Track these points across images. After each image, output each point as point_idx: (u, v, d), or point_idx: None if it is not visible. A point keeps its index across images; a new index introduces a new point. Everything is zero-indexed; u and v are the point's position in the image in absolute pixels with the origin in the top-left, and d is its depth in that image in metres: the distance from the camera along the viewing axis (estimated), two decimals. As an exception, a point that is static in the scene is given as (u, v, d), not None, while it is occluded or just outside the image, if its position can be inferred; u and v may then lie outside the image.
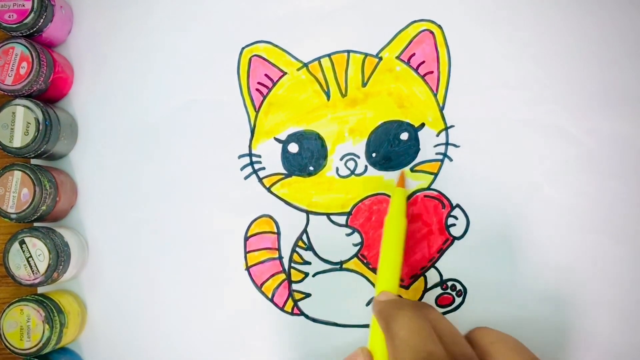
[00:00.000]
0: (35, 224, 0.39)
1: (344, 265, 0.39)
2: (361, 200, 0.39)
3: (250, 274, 0.40)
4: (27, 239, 0.37)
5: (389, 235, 0.36)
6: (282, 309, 0.39)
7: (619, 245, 0.39)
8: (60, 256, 0.37)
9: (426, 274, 0.39)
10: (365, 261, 0.39)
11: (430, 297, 0.39)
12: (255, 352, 0.39)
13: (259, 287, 0.40)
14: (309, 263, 0.39)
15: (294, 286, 0.39)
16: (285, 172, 0.40)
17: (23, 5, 0.37)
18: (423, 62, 0.39)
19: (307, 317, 0.39)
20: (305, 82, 0.40)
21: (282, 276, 0.40)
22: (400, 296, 0.35)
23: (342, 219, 0.39)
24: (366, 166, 0.39)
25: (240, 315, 0.39)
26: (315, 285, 0.39)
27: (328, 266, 0.39)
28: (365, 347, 0.34)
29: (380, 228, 0.39)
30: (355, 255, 0.39)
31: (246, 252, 0.40)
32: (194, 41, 0.40)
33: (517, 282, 0.39)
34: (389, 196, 0.39)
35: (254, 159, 0.40)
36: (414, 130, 0.39)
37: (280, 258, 0.40)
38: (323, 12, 0.40)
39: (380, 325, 0.32)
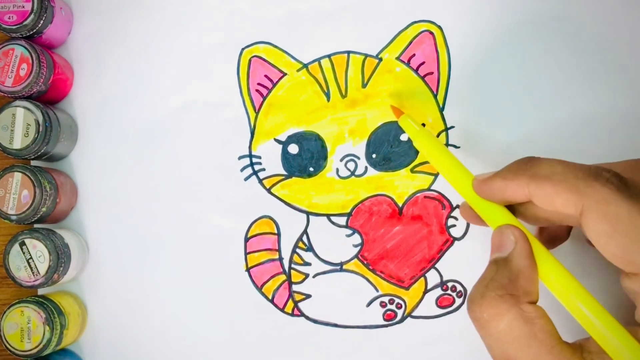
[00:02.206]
0: (36, 226, 0.39)
1: (344, 267, 0.39)
2: (361, 201, 0.39)
3: (250, 275, 0.40)
4: (27, 241, 0.37)
5: (428, 142, 0.36)
6: (282, 310, 0.39)
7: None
8: (60, 257, 0.37)
9: (426, 275, 0.39)
10: (365, 262, 0.39)
11: (430, 298, 0.39)
12: (256, 353, 0.39)
13: (259, 288, 0.40)
14: (309, 264, 0.39)
15: (295, 287, 0.40)
16: (285, 173, 0.40)
17: (23, 7, 0.37)
18: (423, 63, 0.39)
19: (307, 318, 0.39)
20: (305, 83, 0.40)
21: (283, 277, 0.40)
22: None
23: (342, 220, 0.39)
24: (366, 167, 0.39)
25: (241, 317, 0.39)
26: (316, 287, 0.39)
27: (328, 267, 0.39)
28: (505, 225, 0.32)
29: (380, 229, 0.39)
30: (356, 256, 0.39)
31: (246, 253, 0.40)
32: (194, 42, 0.40)
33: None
34: (389, 197, 0.39)
35: (254, 160, 0.40)
36: (414, 131, 0.39)
37: (281, 259, 0.40)
38: (323, 13, 0.40)
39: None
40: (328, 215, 0.40)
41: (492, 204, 0.33)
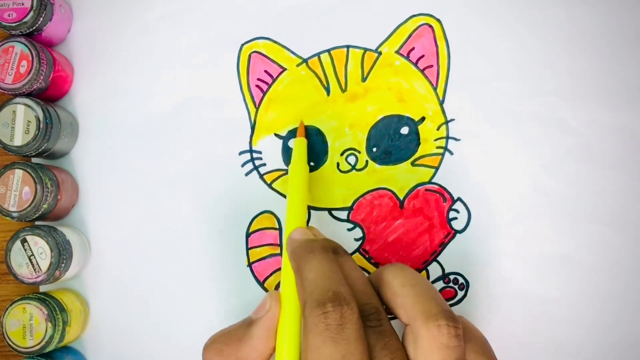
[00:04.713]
0: (37, 223, 0.39)
1: (346, 260, 0.39)
2: (362, 195, 0.39)
3: (252, 270, 0.40)
4: (28, 238, 0.37)
5: (294, 178, 0.37)
6: (284, 304, 0.39)
7: (620, 235, 0.39)
8: (62, 254, 0.37)
9: (428, 268, 0.39)
10: (367, 256, 0.39)
11: (432, 291, 0.39)
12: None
13: (262, 283, 0.40)
14: (311, 258, 0.39)
15: (296, 282, 0.39)
16: (286, 168, 0.40)
17: (22, 4, 0.37)
18: (422, 56, 0.39)
19: (309, 312, 0.39)
20: (305, 78, 0.40)
21: (284, 272, 0.39)
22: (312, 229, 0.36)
23: (343, 214, 0.39)
24: (367, 161, 0.39)
25: (244, 312, 0.39)
26: (318, 281, 0.39)
27: (330, 261, 0.39)
28: (274, 290, 0.34)
29: (382, 223, 0.39)
30: (357, 250, 0.39)
31: (248, 249, 0.40)
32: (194, 38, 0.40)
33: (518, 274, 0.39)
34: (390, 191, 0.39)
35: (255, 155, 0.40)
36: (414, 125, 0.39)
37: (282, 254, 0.40)
38: (322, 7, 0.40)
39: (292, 266, 0.33)
40: (329, 210, 0.40)
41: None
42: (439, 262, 0.39)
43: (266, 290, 0.39)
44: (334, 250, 0.33)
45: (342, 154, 0.39)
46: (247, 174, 0.40)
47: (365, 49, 0.40)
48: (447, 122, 0.39)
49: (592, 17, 0.39)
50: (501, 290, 0.39)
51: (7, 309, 0.36)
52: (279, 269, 0.39)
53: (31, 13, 0.37)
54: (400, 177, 0.39)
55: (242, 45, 0.40)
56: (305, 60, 0.40)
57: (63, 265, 0.37)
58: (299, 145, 0.38)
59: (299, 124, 0.39)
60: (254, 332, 0.32)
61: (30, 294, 0.37)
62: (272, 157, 0.40)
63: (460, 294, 0.39)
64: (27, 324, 0.36)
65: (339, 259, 0.32)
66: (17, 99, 0.37)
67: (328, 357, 0.27)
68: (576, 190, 0.39)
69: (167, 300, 0.40)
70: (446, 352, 0.28)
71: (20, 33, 0.37)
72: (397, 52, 0.39)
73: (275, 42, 0.40)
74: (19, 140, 0.37)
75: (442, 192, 0.39)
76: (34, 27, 0.37)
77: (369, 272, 0.39)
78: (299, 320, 0.32)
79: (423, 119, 0.39)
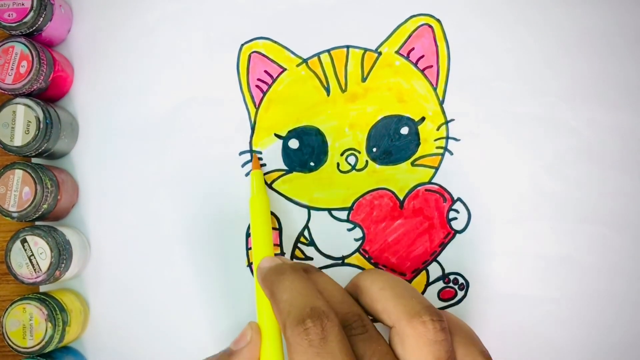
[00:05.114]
0: (37, 223, 0.39)
1: (346, 260, 0.39)
2: (362, 195, 0.39)
3: (252, 271, 0.40)
4: (28, 238, 0.37)
5: (255, 211, 0.37)
6: (284, 304, 0.39)
7: (620, 235, 0.39)
8: (62, 254, 0.37)
9: (428, 267, 0.39)
10: (367, 256, 0.39)
11: (432, 291, 0.39)
12: (258, 348, 0.39)
13: (261, 284, 0.40)
14: (311, 259, 0.39)
15: (296, 282, 0.39)
16: (286, 168, 0.40)
17: (22, 4, 0.37)
18: (422, 56, 0.39)
19: (309, 312, 0.39)
20: (305, 78, 0.40)
21: (284, 272, 0.39)
22: (280, 257, 0.36)
23: (343, 214, 0.39)
24: (367, 161, 0.39)
25: (243, 312, 0.39)
26: (318, 281, 0.39)
27: (330, 261, 0.39)
28: (253, 321, 0.34)
29: (381, 223, 0.39)
30: (357, 250, 0.39)
31: (248, 249, 0.40)
32: (194, 39, 0.40)
33: (518, 274, 0.39)
34: (390, 191, 0.39)
35: (255, 155, 0.40)
36: (414, 125, 0.39)
37: (282, 254, 0.40)
38: (322, 7, 0.40)
39: (266, 293, 0.33)
40: (329, 210, 0.40)
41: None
42: (438, 262, 0.39)
43: (266, 290, 0.39)
44: (304, 269, 0.33)
45: (342, 154, 0.39)
46: (247, 174, 0.40)
47: (365, 49, 0.40)
48: (447, 123, 0.39)
49: (592, 17, 0.39)
50: (501, 290, 0.39)
51: (7, 309, 0.36)
52: (279, 269, 0.39)
53: (31, 13, 0.37)
54: (400, 177, 0.39)
55: (242, 45, 0.40)
56: (305, 61, 0.40)
57: (63, 265, 0.37)
58: (256, 177, 0.38)
59: (253, 158, 0.39)
60: None
61: (30, 294, 0.37)
62: (272, 157, 0.40)
63: (460, 294, 0.39)
64: (27, 324, 0.36)
65: (311, 277, 0.32)
66: (17, 99, 0.37)
67: None
68: (576, 190, 0.39)
69: (166, 300, 0.40)
70: (434, 347, 0.28)
71: (21, 33, 0.37)
72: (397, 52, 0.39)
73: (275, 42, 0.40)
74: (19, 140, 0.37)
75: (442, 192, 0.39)
76: (34, 27, 0.37)
77: (368, 272, 0.39)
78: (280, 348, 0.32)
79: (423, 119, 0.39)
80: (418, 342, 0.29)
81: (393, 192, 0.39)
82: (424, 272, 0.39)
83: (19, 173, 0.37)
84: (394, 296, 0.30)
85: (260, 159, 0.40)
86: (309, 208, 0.40)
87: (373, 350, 0.29)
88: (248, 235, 0.40)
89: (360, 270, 0.39)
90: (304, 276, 0.32)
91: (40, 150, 0.37)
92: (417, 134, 0.39)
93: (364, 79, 0.39)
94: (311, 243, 0.39)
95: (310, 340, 0.28)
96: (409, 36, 0.39)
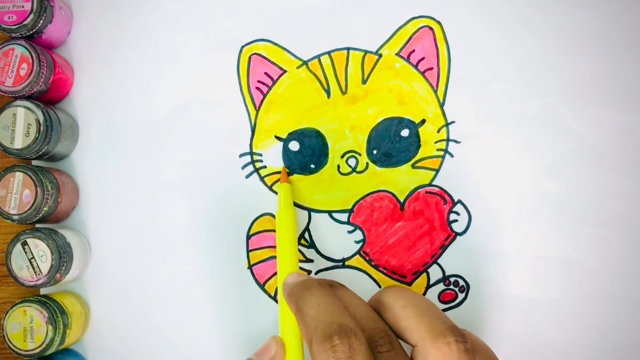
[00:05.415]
0: (37, 225, 0.39)
1: (347, 263, 0.39)
2: (363, 198, 0.39)
3: (253, 273, 0.40)
4: (29, 240, 0.37)
5: (282, 225, 0.37)
6: (285, 307, 0.39)
7: (620, 236, 0.39)
8: (62, 257, 0.37)
9: (429, 270, 0.39)
10: (367, 258, 0.39)
11: (433, 293, 0.39)
12: (259, 350, 0.39)
13: (262, 286, 0.40)
14: (311, 261, 0.39)
15: (297, 284, 0.39)
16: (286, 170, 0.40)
17: (23, 7, 0.37)
18: (423, 58, 0.39)
19: (310, 314, 0.39)
20: (305, 80, 0.40)
21: (285, 274, 0.39)
22: (305, 273, 0.36)
23: (344, 217, 0.39)
24: (367, 163, 0.39)
25: (244, 314, 0.39)
26: (318, 283, 0.39)
27: (330, 264, 0.39)
28: (277, 335, 0.34)
29: (382, 225, 0.39)
30: (358, 252, 0.39)
31: (248, 251, 0.40)
32: (194, 40, 0.40)
33: (519, 276, 0.39)
34: (390, 193, 0.39)
35: (255, 157, 0.40)
36: (414, 127, 0.39)
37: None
38: (322, 9, 0.40)
39: (291, 308, 0.33)
40: (330, 212, 0.40)
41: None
42: (439, 265, 0.39)
43: (266, 292, 0.39)
44: (330, 284, 0.33)
45: (342, 157, 0.39)
46: (247, 176, 0.40)
47: (366, 51, 0.40)
48: (447, 125, 0.39)
49: (592, 17, 0.39)
50: (502, 292, 0.39)
51: (7, 312, 0.36)
52: (280, 271, 0.40)
53: (31, 15, 0.37)
54: (400, 180, 0.39)
55: (242, 47, 0.40)
56: (305, 63, 0.40)
57: (64, 267, 0.37)
58: (283, 191, 0.38)
59: (282, 170, 0.39)
60: None
61: (31, 296, 0.37)
62: (272, 159, 0.40)
63: (461, 296, 0.39)
64: (28, 327, 0.36)
65: (336, 292, 0.32)
66: (18, 102, 0.37)
67: None
68: (576, 191, 0.39)
69: (167, 302, 0.40)
70: None
71: (21, 35, 0.37)
72: (397, 54, 0.39)
73: (275, 44, 0.40)
74: (19, 143, 0.37)
75: (443, 195, 0.39)
76: (34, 30, 0.37)
77: (370, 276, 0.39)
78: None
79: (423, 121, 0.39)
80: None
81: (393, 195, 0.39)
82: (424, 274, 0.39)
83: (19, 176, 0.37)
84: (418, 314, 0.30)
85: (260, 161, 0.40)
86: (310, 210, 0.40)
87: None
88: (249, 237, 0.40)
89: (361, 273, 0.39)
90: (330, 292, 0.32)
91: (40, 153, 0.37)
92: (418, 136, 0.39)
93: (364, 81, 0.39)
94: (311, 245, 0.39)
95: (337, 357, 0.28)
96: (410, 38, 0.39)
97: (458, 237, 0.39)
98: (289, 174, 0.40)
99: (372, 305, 0.32)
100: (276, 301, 0.39)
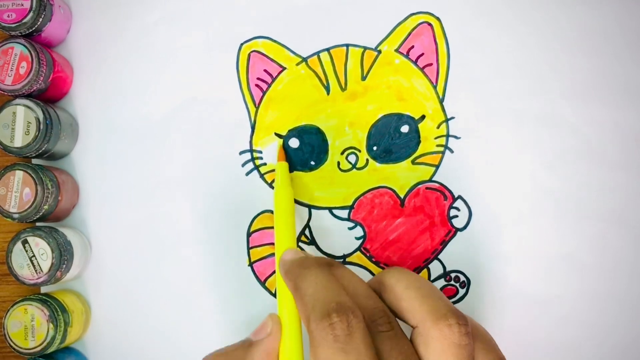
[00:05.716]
0: (38, 224, 0.39)
1: (347, 259, 0.39)
2: (363, 194, 0.39)
3: (253, 270, 0.40)
4: (29, 239, 0.37)
5: (279, 202, 0.37)
6: (286, 303, 0.39)
7: (621, 234, 0.39)
8: (63, 255, 0.37)
9: (429, 266, 0.39)
10: (368, 254, 0.39)
11: (434, 289, 0.39)
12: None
13: (263, 283, 0.40)
14: (312, 257, 0.39)
15: (298, 281, 0.39)
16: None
17: (22, 5, 0.37)
18: (422, 54, 0.39)
19: (311, 311, 0.39)
20: (305, 77, 0.40)
21: (286, 271, 0.39)
22: (303, 251, 0.36)
23: (344, 213, 0.39)
24: (367, 159, 0.39)
25: (244, 311, 0.39)
26: (319, 280, 0.39)
27: (331, 260, 0.39)
28: (274, 313, 0.34)
29: (382, 221, 0.39)
30: (358, 248, 0.39)
31: (249, 248, 0.40)
32: (193, 38, 0.40)
33: (519, 272, 0.39)
34: (391, 189, 0.39)
35: (255, 154, 0.40)
36: (414, 123, 0.39)
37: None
38: (321, 6, 0.40)
39: (288, 286, 0.33)
40: (330, 209, 0.40)
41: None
42: (440, 260, 0.39)
43: (267, 289, 0.39)
44: (328, 263, 0.33)
45: (342, 153, 0.39)
46: (247, 174, 0.40)
47: (365, 48, 0.40)
48: (447, 120, 0.39)
49: (592, 17, 0.39)
50: (502, 288, 0.39)
51: (8, 310, 0.36)
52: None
53: (31, 14, 0.37)
54: (400, 176, 0.39)
55: (242, 44, 0.40)
56: (304, 59, 0.40)
57: (64, 266, 0.37)
58: (280, 169, 0.38)
59: (279, 147, 0.39)
60: (254, 355, 0.32)
61: (32, 295, 0.37)
62: (272, 156, 0.40)
63: (462, 291, 0.39)
64: (29, 325, 0.36)
65: (335, 271, 0.32)
66: (17, 100, 0.37)
67: None
68: (577, 188, 0.39)
69: (168, 300, 0.40)
70: (458, 351, 0.28)
71: (20, 34, 0.37)
72: (396, 50, 0.39)
73: (274, 41, 0.40)
74: (19, 141, 0.37)
75: (443, 190, 0.39)
76: (34, 28, 0.37)
77: (371, 272, 0.39)
78: (300, 341, 0.32)
79: (423, 117, 0.39)
80: (443, 345, 0.28)
81: (394, 191, 0.39)
82: (425, 270, 0.39)
83: (19, 174, 0.37)
84: (420, 296, 0.30)
85: (260, 158, 0.40)
86: (310, 207, 0.40)
87: (399, 349, 0.29)
88: (249, 234, 0.40)
89: (362, 270, 0.39)
90: (328, 271, 0.32)
91: (40, 151, 0.37)
92: (418, 132, 0.39)
93: (363, 78, 0.39)
94: (312, 242, 0.39)
95: (335, 335, 0.28)
96: (409, 34, 0.39)
97: (458, 232, 0.39)
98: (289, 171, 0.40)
99: (372, 286, 0.32)
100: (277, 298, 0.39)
